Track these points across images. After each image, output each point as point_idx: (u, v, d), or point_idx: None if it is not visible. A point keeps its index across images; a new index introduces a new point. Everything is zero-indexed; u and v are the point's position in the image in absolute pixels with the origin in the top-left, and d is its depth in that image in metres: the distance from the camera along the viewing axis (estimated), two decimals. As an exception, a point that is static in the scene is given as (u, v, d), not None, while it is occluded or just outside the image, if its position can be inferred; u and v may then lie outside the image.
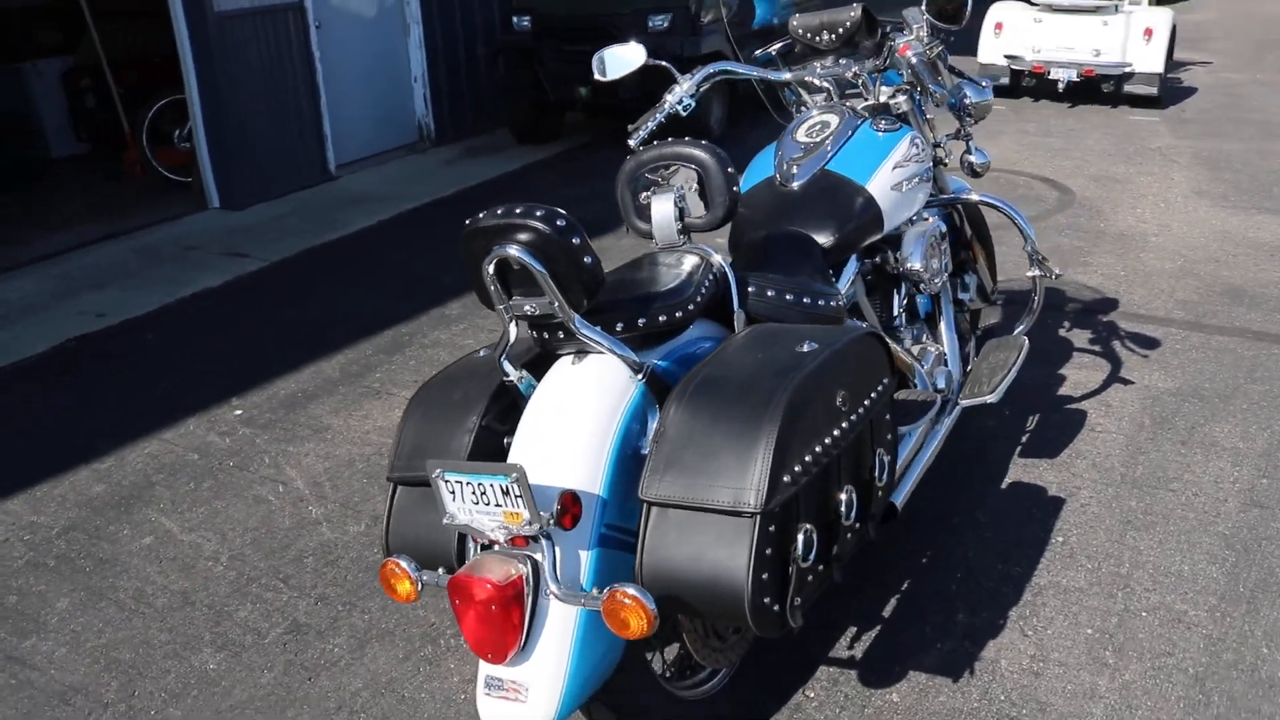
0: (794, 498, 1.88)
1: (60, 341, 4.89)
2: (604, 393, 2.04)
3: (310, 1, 7.15)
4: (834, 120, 3.10)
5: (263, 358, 4.54)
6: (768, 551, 1.84)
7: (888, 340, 2.26)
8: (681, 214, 2.38)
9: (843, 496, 2.03)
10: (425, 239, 6.09)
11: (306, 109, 7.26)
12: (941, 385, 3.08)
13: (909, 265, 2.94)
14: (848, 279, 2.85)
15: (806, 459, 1.89)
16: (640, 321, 2.09)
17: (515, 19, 7.87)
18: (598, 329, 2.02)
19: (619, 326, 2.08)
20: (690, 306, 2.18)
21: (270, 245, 6.16)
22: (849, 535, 2.08)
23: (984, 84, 3.45)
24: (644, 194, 2.44)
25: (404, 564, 1.99)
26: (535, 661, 1.91)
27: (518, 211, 1.94)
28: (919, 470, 2.85)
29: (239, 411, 4.08)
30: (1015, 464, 3.47)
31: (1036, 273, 3.50)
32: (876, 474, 2.16)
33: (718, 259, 2.34)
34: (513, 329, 2.06)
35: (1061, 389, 3.95)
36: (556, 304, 1.96)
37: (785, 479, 1.84)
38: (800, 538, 1.90)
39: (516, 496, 1.84)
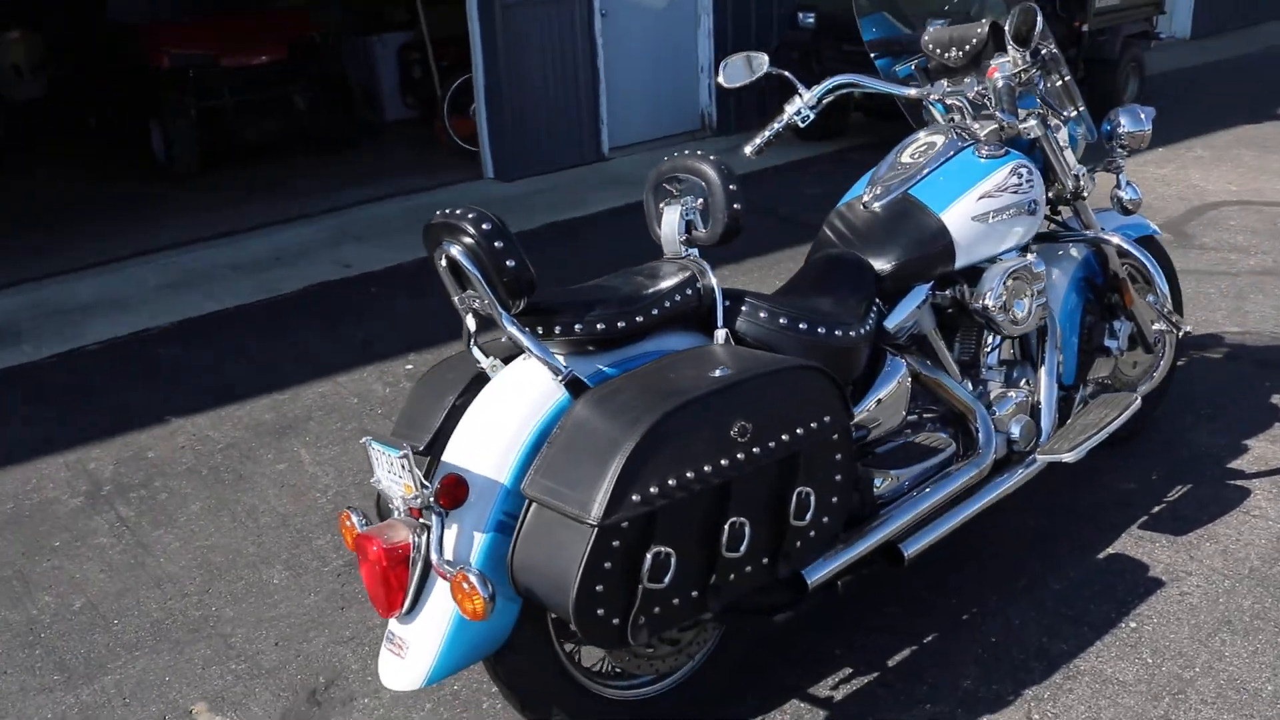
0: (648, 518, 1.87)
1: (305, 285, 5.59)
2: (527, 392, 2.12)
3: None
4: (939, 142, 2.92)
5: (453, 321, 4.94)
6: (607, 565, 1.86)
7: (836, 380, 2.14)
8: (689, 227, 2.39)
9: (729, 529, 1.98)
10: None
11: (585, 92, 7.68)
12: (1016, 435, 2.82)
13: (981, 303, 2.72)
14: (906, 310, 2.69)
15: (669, 482, 1.87)
16: (576, 327, 2.13)
17: (800, 15, 7.83)
18: (526, 331, 2.09)
19: (556, 329, 2.14)
20: (639, 318, 2.18)
21: (513, 216, 6.62)
22: (737, 570, 2.02)
23: (1142, 114, 3.09)
24: (661, 203, 2.47)
25: (353, 517, 2.19)
26: (419, 624, 2.05)
27: (456, 213, 2.07)
28: (958, 519, 2.65)
29: (409, 366, 4.50)
30: (1129, 534, 3.09)
31: (1163, 327, 3.09)
32: (797, 513, 2.07)
33: (709, 275, 2.32)
34: (468, 320, 2.20)
35: (1236, 460, 3.45)
36: (486, 302, 2.07)
37: (634, 498, 1.84)
38: (649, 559, 1.89)
39: (407, 470, 1.98)
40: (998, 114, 2.74)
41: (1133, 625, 2.73)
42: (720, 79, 3.20)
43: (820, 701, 2.53)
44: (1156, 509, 3.22)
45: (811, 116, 3.04)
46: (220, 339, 4.93)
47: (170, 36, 8.00)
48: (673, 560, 1.91)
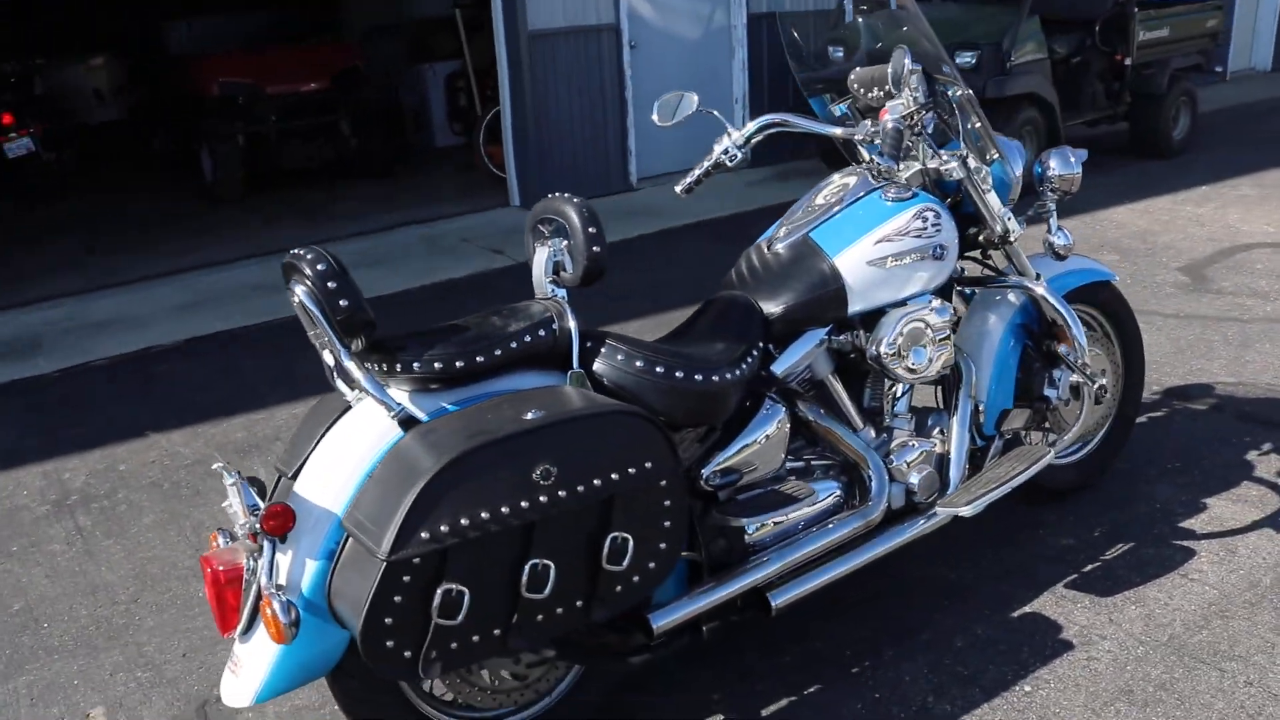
0: (441, 555, 1.90)
1: (311, 306, 5.74)
2: (367, 428, 2.17)
3: (626, 23, 7.63)
4: (851, 183, 2.89)
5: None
6: (396, 599, 1.89)
7: (661, 426, 2.13)
8: (557, 268, 2.41)
9: (529, 571, 1.98)
10: (666, 256, 6.31)
11: (613, 123, 7.76)
12: (915, 485, 2.75)
13: (873, 349, 2.67)
14: (796, 355, 2.66)
15: (462, 521, 1.89)
16: (415, 365, 2.17)
17: (830, 49, 7.79)
18: (364, 369, 2.14)
19: (398, 367, 2.18)
20: (480, 357, 2.20)
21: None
22: (544, 611, 2.02)
23: (1072, 157, 3.01)
24: (535, 244, 2.50)
25: (220, 538, 2.25)
26: (252, 644, 2.10)
27: (298, 254, 2.14)
28: (839, 570, 2.60)
29: (385, 389, 4.60)
30: (1052, 593, 2.98)
31: (1077, 379, 2.98)
32: (611, 558, 2.07)
33: (567, 317, 2.34)
34: (325, 356, 2.25)
35: (1191, 519, 3.30)
36: (326, 340, 2.13)
37: (424, 535, 1.87)
38: (440, 596, 1.91)
39: (236, 496, 2.05)
40: (897, 155, 2.70)
41: (1027, 689, 2.63)
42: (654, 117, 3.21)
43: (678, 746, 2.51)
44: (1090, 567, 3.10)
45: (739, 155, 3.03)
46: (218, 358, 5.11)
47: (219, 66, 8.35)
48: (466, 598, 1.93)
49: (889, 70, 2.76)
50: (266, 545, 2.07)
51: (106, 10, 11.55)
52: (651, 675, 2.73)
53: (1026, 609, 2.93)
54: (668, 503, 2.13)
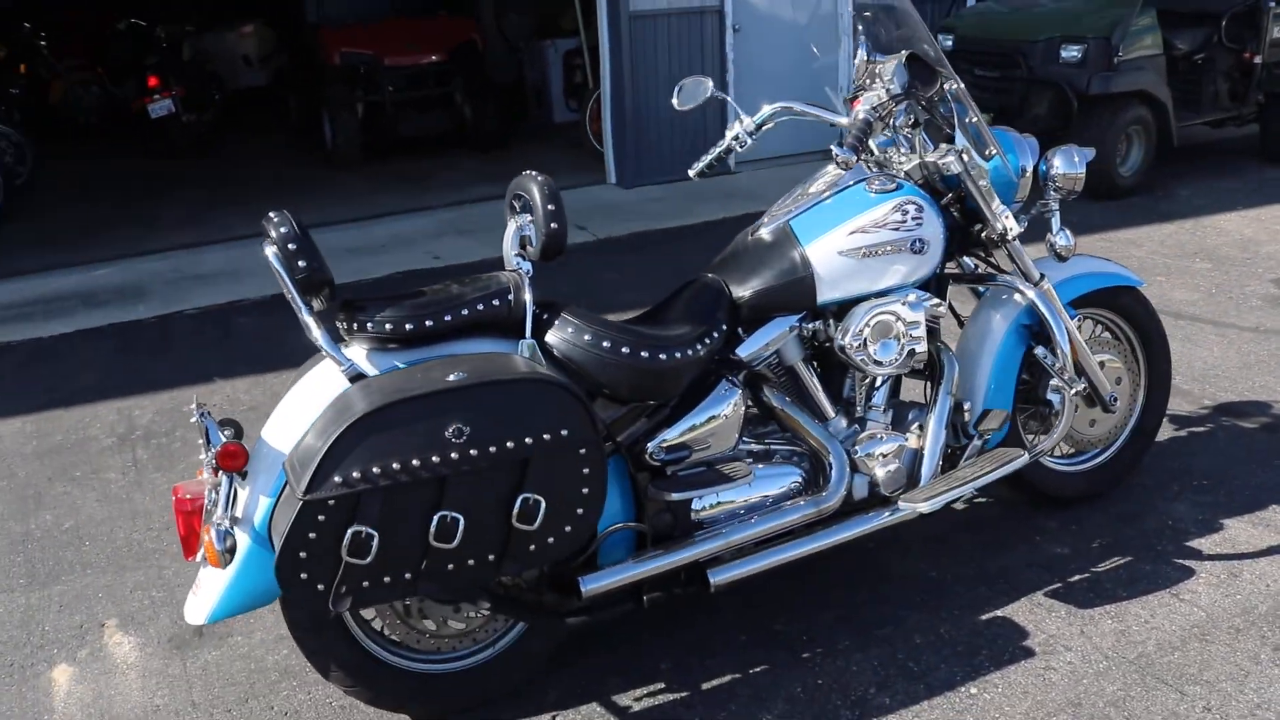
0: (355, 499, 2.04)
1: (390, 272, 6.02)
2: (322, 381, 2.36)
3: (730, 6, 7.63)
4: (845, 173, 2.90)
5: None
6: (311, 535, 2.05)
7: (581, 396, 2.21)
8: (523, 242, 2.53)
9: (438, 521, 2.10)
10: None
11: (713, 105, 7.76)
12: (880, 478, 2.75)
13: (839, 339, 2.68)
14: (761, 340, 2.70)
15: (374, 470, 2.04)
16: (369, 325, 2.33)
17: (940, 37, 7.61)
18: (320, 326, 2.31)
19: (354, 326, 2.34)
20: (429, 321, 2.34)
21: (613, 222, 6.83)
22: (455, 561, 2.15)
23: (1076, 156, 2.93)
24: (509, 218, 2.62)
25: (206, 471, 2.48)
26: (210, 569, 2.30)
27: (269, 217, 2.32)
28: (787, 555, 2.64)
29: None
30: (1030, 599, 2.93)
31: (1057, 382, 2.90)
32: (522, 517, 2.17)
33: (524, 288, 2.44)
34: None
35: (1201, 538, 3.17)
36: (289, 297, 2.30)
37: (337, 479, 2.03)
38: (349, 536, 2.05)
39: (200, 433, 2.25)
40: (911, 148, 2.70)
41: (972, 692, 2.61)
42: (675, 101, 3.27)
43: (617, 709, 2.59)
44: (1077, 578, 3.03)
45: (749, 141, 3.08)
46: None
47: (341, 37, 8.74)
48: (375, 540, 2.07)
49: (875, 63, 2.76)
50: (224, 480, 2.26)
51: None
52: (602, 637, 2.82)
53: (998, 613, 2.90)
54: (586, 470, 2.22)
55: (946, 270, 2.99)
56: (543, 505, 2.18)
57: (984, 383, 3.01)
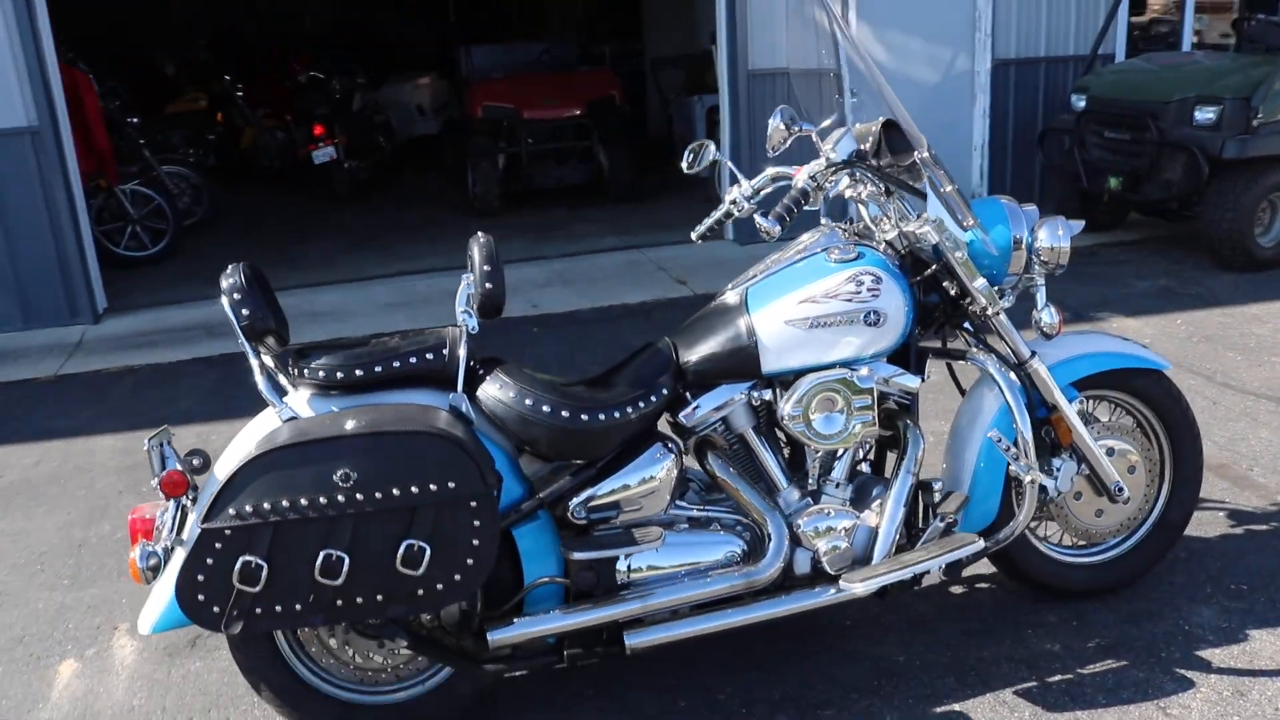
0: (246, 531, 2.18)
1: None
2: (265, 420, 2.55)
3: (847, 69, 7.56)
4: (818, 240, 2.88)
5: (568, 365, 5.37)
6: (208, 560, 2.21)
7: (471, 452, 2.28)
8: (470, 300, 2.64)
9: (323, 559, 2.22)
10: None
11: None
12: (822, 554, 2.69)
13: (780, 410, 2.64)
14: (706, 408, 2.70)
15: (265, 505, 2.18)
16: (305, 371, 2.49)
17: (1074, 97, 7.30)
18: (263, 371, 2.49)
19: (296, 372, 2.51)
20: (359, 371, 2.48)
21: (716, 278, 6.86)
22: (343, 597, 2.26)
23: (1061, 229, 2.79)
24: None
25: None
26: (158, 585, 2.48)
27: (227, 270, 2.52)
28: (713, 624, 2.62)
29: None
30: (996, 697, 2.76)
31: (1014, 467, 2.73)
32: (407, 562, 2.25)
33: (460, 345, 2.55)
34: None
35: (1217, 649, 2.88)
36: (239, 341, 2.50)
37: (231, 511, 2.19)
38: (239, 565, 2.19)
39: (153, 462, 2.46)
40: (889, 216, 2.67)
41: (896, 784, 2.50)
42: (683, 165, 3.32)
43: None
44: (1057, 679, 2.84)
45: (746, 205, 3.10)
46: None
47: (485, 90, 9.20)
48: (264, 571, 2.20)
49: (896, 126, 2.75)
50: (170, 504, 2.46)
51: (438, 34, 13.04)
52: (550, 687, 2.86)
53: (955, 706, 2.75)
54: (476, 523, 2.29)
55: (925, 345, 2.90)
56: (428, 552, 2.26)
57: (970, 462, 2.90)
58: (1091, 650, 2.95)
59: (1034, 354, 2.87)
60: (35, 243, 6.41)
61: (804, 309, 2.66)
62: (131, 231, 7.93)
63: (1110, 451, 3.00)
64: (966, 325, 2.94)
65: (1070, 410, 2.88)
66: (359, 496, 2.22)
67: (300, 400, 2.53)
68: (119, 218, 7.86)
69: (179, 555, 2.42)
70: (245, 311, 2.44)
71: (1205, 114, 6.24)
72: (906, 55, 7.76)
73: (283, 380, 2.55)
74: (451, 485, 2.25)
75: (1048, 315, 2.84)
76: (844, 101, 2.98)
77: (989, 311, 2.79)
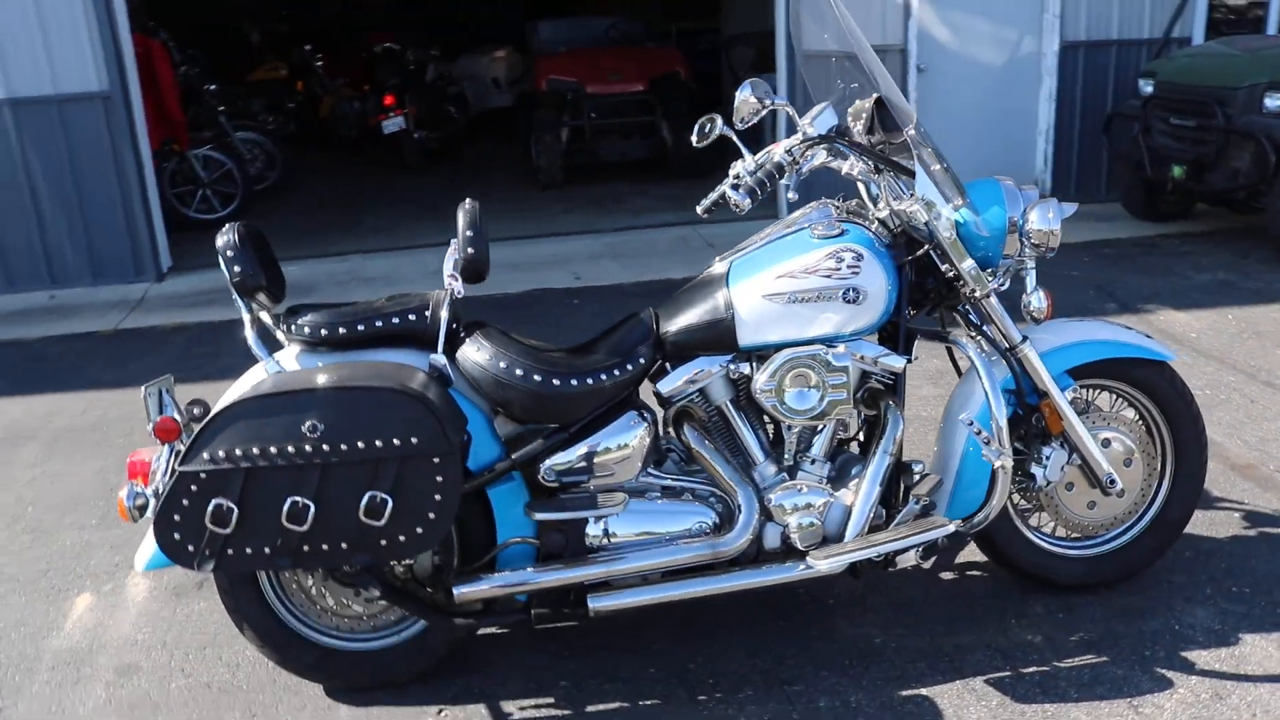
0: (220, 475, 2.30)
1: (529, 289, 6.34)
2: (256, 373, 2.66)
3: (915, 46, 7.45)
4: (809, 215, 2.89)
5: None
6: (184, 502, 2.33)
7: (435, 410, 2.35)
8: (455, 264, 2.72)
9: (289, 505, 2.32)
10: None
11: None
12: (792, 529, 2.70)
13: (754, 385, 2.66)
14: (679, 378, 2.72)
15: (237, 451, 2.30)
16: (291, 328, 2.59)
17: (1141, 82, 7.08)
18: (253, 327, 2.60)
19: (286, 328, 2.61)
20: (342, 329, 2.58)
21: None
22: (309, 542, 2.36)
23: (1051, 212, 2.73)
24: None
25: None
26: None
27: (221, 229, 2.63)
28: (675, 593, 2.67)
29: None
30: (967, 684, 2.75)
31: (985, 451, 2.68)
32: (369, 513, 2.34)
33: (443, 308, 2.62)
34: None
35: (1203, 650, 2.81)
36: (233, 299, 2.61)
37: (205, 455, 2.31)
38: (211, 508, 2.31)
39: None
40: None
41: (850, 761, 2.52)
42: (693, 138, 3.33)
43: (499, 714, 2.70)
44: (1031, 670, 2.81)
45: (748, 179, 3.08)
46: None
47: (551, 64, 9.27)
48: (235, 514, 2.32)
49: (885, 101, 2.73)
50: (164, 449, 2.59)
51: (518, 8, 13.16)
52: (522, 646, 2.94)
53: (922, 690, 2.75)
54: (439, 479, 2.36)
55: (914, 326, 2.88)
56: (390, 504, 2.35)
57: (958, 447, 2.87)
58: (1074, 644, 2.91)
59: (1025, 339, 2.83)
60: (104, 203, 6.70)
61: (781, 284, 2.67)
62: (202, 195, 8.22)
63: (1106, 443, 2.95)
64: (963, 307, 2.92)
65: (1061, 398, 2.84)
66: (325, 447, 2.31)
67: (289, 356, 2.63)
68: (190, 181, 8.15)
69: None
70: (237, 268, 2.55)
71: (1276, 100, 6.00)
72: (970, 35, 7.60)
73: (280, 336, 2.66)
74: (414, 441, 2.33)
75: (1036, 300, 2.79)
76: (842, 86, 2.95)
77: (977, 294, 2.76)
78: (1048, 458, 2.89)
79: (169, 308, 6.38)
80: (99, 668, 2.97)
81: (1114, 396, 3.10)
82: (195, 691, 2.84)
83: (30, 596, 3.34)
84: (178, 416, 2.58)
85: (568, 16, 10.63)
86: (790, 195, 2.67)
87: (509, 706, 2.74)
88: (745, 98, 2.76)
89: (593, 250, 7.24)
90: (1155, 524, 3.09)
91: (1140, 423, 3.07)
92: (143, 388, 2.62)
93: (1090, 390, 3.07)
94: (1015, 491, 2.99)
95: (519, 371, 2.56)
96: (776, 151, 2.71)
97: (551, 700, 2.75)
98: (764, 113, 2.79)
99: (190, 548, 2.37)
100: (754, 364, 2.72)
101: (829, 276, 2.66)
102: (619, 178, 9.59)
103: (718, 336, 2.69)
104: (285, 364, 2.61)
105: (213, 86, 8.76)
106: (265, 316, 2.68)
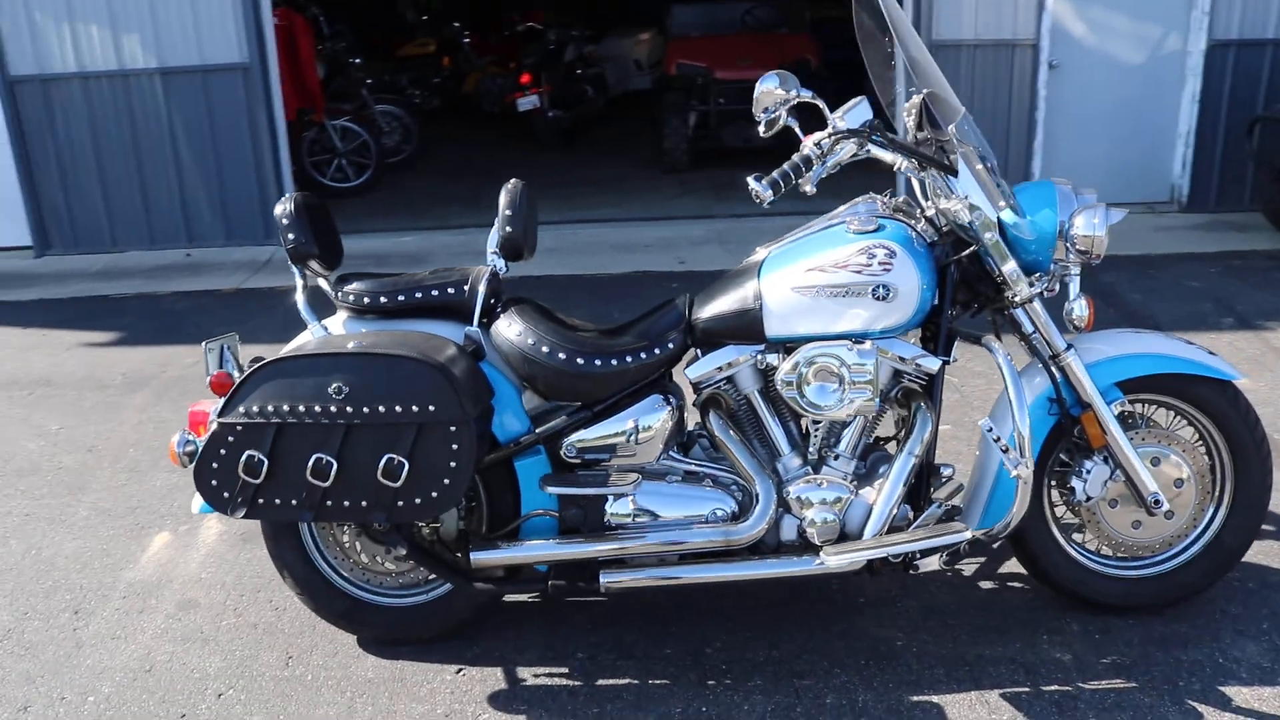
0: (255, 428, 2.46)
1: (631, 270, 6.41)
2: (307, 334, 2.84)
3: (1047, 41, 7.16)
4: (856, 209, 2.88)
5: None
6: (221, 451, 2.51)
7: (453, 380, 2.45)
8: (497, 243, 2.83)
9: (314, 461, 2.47)
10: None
11: (1017, 145, 7.37)
12: (810, 524, 2.70)
13: (776, 376, 2.66)
14: (707, 366, 2.76)
15: (269, 407, 2.47)
16: (338, 295, 2.76)
17: (1296, 85, 6.64)
18: (304, 292, 2.79)
19: (339, 296, 2.78)
20: (383, 299, 2.72)
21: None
22: (332, 498, 2.51)
23: (1097, 218, 2.62)
24: None
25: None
26: None
27: (280, 199, 2.81)
28: (689, 576, 2.73)
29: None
30: (981, 696, 2.70)
31: (1006, 461, 2.60)
32: (386, 474, 2.47)
33: (481, 282, 2.74)
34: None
35: (1246, 687, 2.69)
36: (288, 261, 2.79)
37: (240, 409, 2.48)
38: (244, 459, 2.48)
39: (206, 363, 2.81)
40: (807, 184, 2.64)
41: (843, 758, 2.52)
42: (759, 130, 3.32)
43: (513, 679, 2.80)
44: (1051, 688, 2.74)
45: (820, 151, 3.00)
46: (525, 289, 6.01)
47: (681, 48, 9.30)
48: (265, 466, 2.48)
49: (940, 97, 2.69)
50: (221, 402, 2.79)
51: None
52: (549, 617, 3.04)
53: (933, 698, 2.72)
54: (455, 446, 2.48)
55: (955, 327, 2.83)
56: (406, 468, 2.47)
57: (994, 455, 2.81)
58: (1103, 666, 2.82)
59: (1070, 347, 2.75)
60: (239, 168, 7.13)
61: (811, 277, 2.66)
62: (337, 164, 8.62)
63: (1155, 461, 2.84)
64: (1010, 312, 2.85)
65: (1105, 410, 2.75)
66: (349, 409, 2.45)
67: (337, 321, 2.80)
68: (327, 151, 8.56)
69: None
70: (291, 236, 2.72)
71: None
72: (1108, 31, 7.26)
73: (336, 301, 2.83)
74: (432, 409, 2.45)
75: (1079, 308, 2.70)
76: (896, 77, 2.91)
77: (1017, 298, 2.70)
78: (1088, 471, 2.81)
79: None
80: (163, 600, 3.22)
81: (1173, 414, 2.97)
82: (242, 630, 3.06)
83: (117, 530, 3.64)
84: (235, 372, 2.77)
85: (706, 1, 10.61)
86: (808, 190, 2.65)
87: (524, 672, 2.84)
88: (768, 89, 2.75)
89: (701, 235, 7.28)
90: (1208, 550, 2.96)
91: (1199, 443, 2.93)
92: (204, 343, 2.82)
93: (1146, 405, 2.95)
94: (1059, 505, 2.92)
95: (545, 349, 2.65)
96: (806, 144, 2.70)
97: (566, 670, 2.84)
98: (789, 105, 2.77)
99: (225, 494, 2.55)
100: (782, 355, 2.73)
101: (859, 272, 2.64)
102: (743, 164, 9.56)
103: (746, 326, 2.71)
104: (333, 329, 2.77)
105: (357, 60, 9.15)
106: (323, 283, 2.85)
